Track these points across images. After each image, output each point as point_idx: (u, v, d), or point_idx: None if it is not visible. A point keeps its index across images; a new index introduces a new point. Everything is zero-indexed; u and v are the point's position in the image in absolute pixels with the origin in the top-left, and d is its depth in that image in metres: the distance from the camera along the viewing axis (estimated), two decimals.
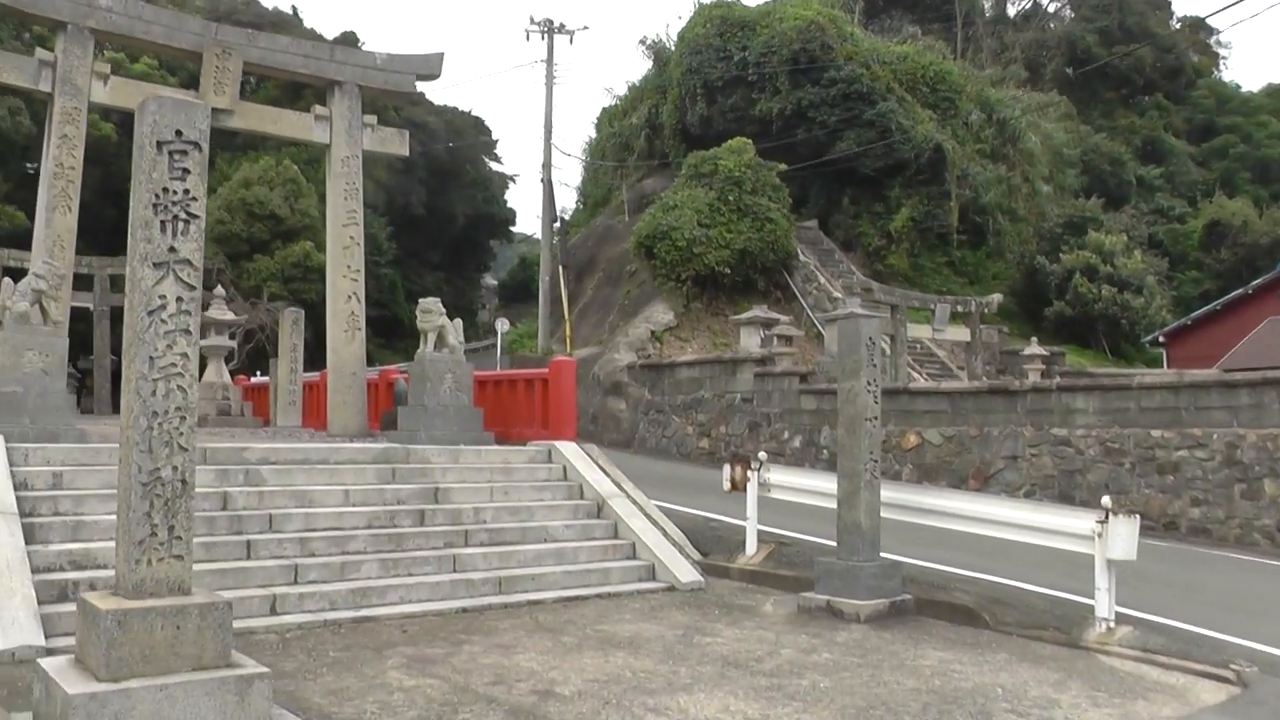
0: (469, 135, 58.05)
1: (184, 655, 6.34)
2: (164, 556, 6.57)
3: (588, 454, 14.09)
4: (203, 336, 22.84)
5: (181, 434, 6.67)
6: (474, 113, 62.18)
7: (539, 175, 36.02)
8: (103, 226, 42.69)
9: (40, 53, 14.19)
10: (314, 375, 20.87)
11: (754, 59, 31.41)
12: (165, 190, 6.71)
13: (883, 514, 10.63)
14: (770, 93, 31.51)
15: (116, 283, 36.07)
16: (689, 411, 23.31)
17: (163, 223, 6.69)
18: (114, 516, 9.76)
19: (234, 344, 22.68)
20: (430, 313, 14.89)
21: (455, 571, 10.81)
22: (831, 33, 30.99)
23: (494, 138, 63.62)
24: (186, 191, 6.75)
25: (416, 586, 10.29)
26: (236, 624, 8.99)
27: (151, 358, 6.62)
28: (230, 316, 22.29)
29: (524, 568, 11.23)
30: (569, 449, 13.83)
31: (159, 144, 6.72)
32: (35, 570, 8.78)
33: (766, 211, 28.00)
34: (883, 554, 10.51)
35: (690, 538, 13.18)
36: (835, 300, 24.83)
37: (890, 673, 7.91)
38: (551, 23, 35.91)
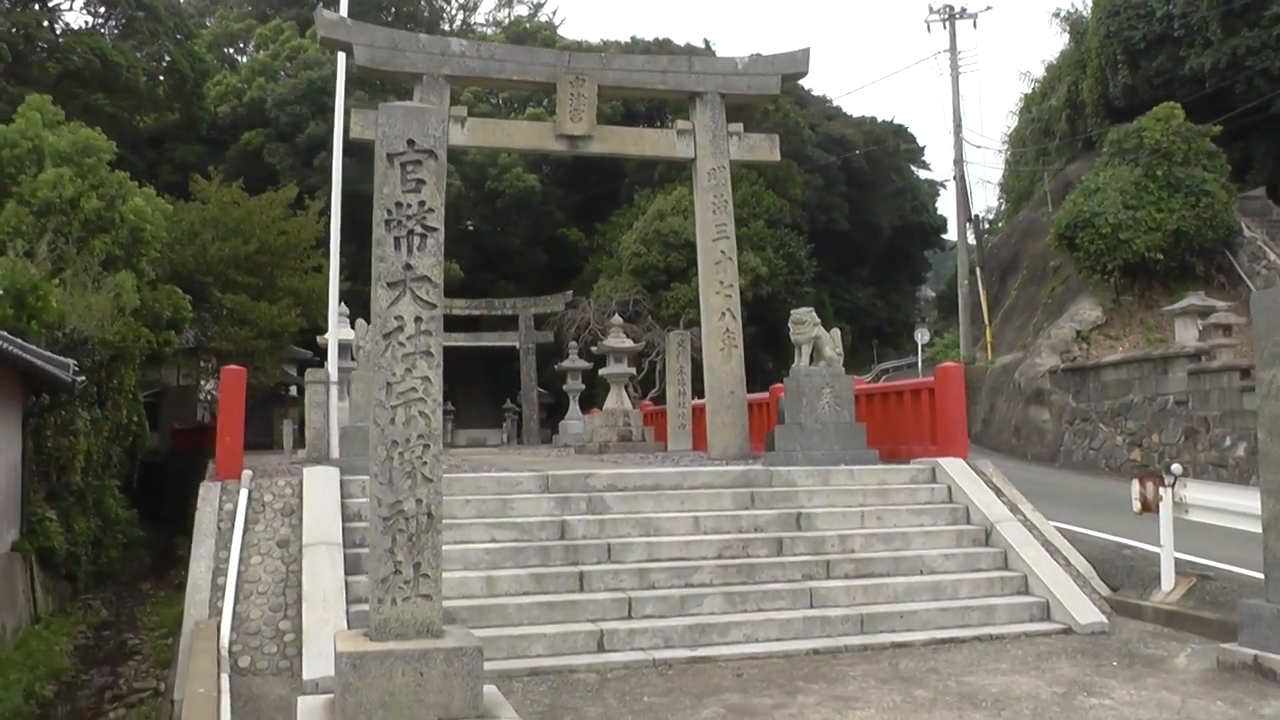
0: (890, 144, 56.38)
1: (428, 704, 5.84)
2: (409, 595, 6.11)
3: (981, 472, 12.48)
4: (602, 364, 23.35)
5: (425, 463, 6.19)
6: (895, 120, 60.40)
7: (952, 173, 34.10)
8: (533, 269, 45.66)
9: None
10: None
11: (1179, 10, 27.38)
12: (398, 204, 6.29)
13: None
14: (1200, 46, 27.33)
15: (539, 321, 38.22)
16: (1117, 419, 20.50)
17: (396, 239, 6.27)
18: (445, 547, 9.66)
19: (632, 370, 22.84)
20: (803, 324, 13.90)
21: (811, 607, 9.73)
22: None
23: (919, 144, 61.44)
24: (422, 204, 6.30)
25: (764, 624, 9.33)
26: (558, 661, 8.53)
27: (389, 383, 6.20)
28: (629, 344, 22.47)
29: (892, 604, 9.94)
30: (955, 466, 12.27)
31: (389, 156, 6.32)
32: (352, 601, 8.75)
33: (1201, 184, 24.15)
34: None
35: (1100, 568, 11.24)
36: None
37: None
38: (952, 8, 33.83)
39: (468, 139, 14.91)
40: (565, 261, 46.44)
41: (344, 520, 9.90)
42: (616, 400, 21.75)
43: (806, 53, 15.94)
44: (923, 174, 62.13)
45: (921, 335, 35.24)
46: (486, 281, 44.31)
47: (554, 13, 60.60)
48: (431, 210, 6.28)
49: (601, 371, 22.67)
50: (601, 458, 17.91)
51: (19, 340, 15.35)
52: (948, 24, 33.98)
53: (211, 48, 51.40)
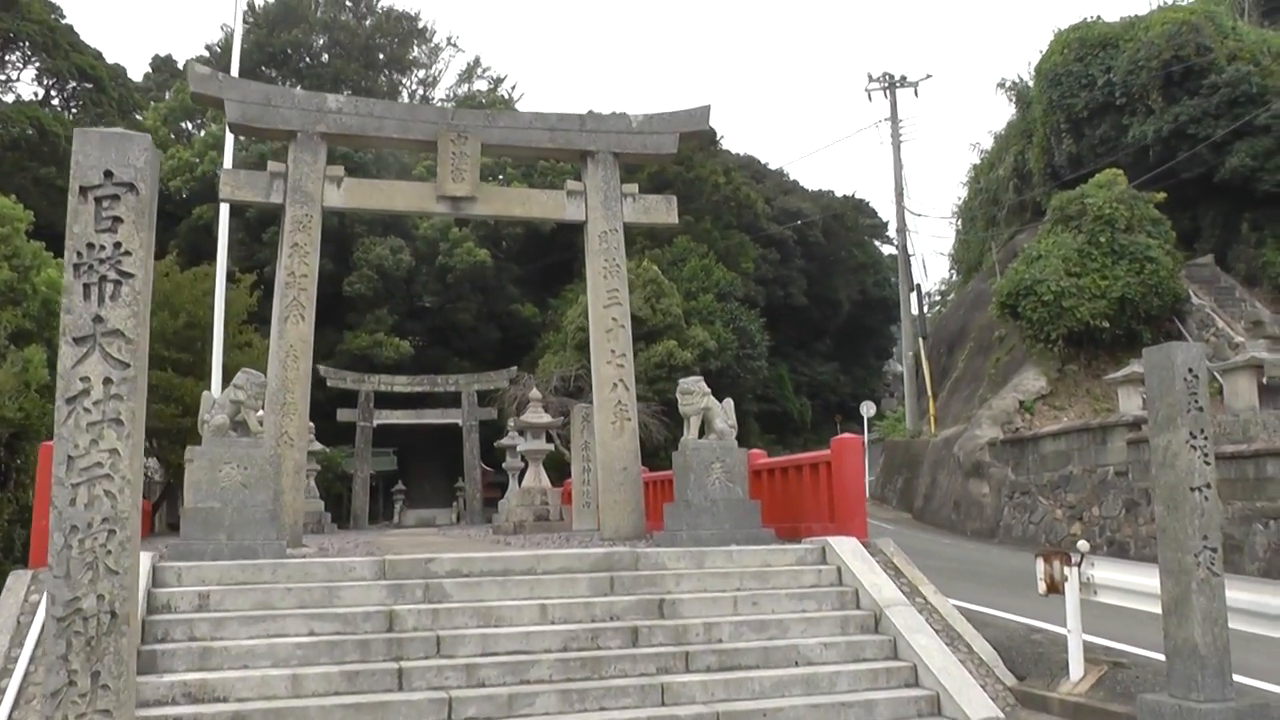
0: (849, 218, 56.15)
1: None
2: (84, 712, 5.11)
3: (880, 551, 11.61)
4: (521, 438, 22.43)
5: (110, 552, 5.22)
6: (855, 194, 60.31)
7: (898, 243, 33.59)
8: (486, 346, 44.81)
9: (271, 165, 14.01)
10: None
11: (1120, 79, 27.08)
12: (90, 246, 5.41)
13: (1239, 625, 7.49)
14: (1142, 114, 27.09)
15: (483, 398, 37.46)
16: (1056, 491, 19.63)
17: (86, 286, 5.38)
18: (254, 641, 8.69)
19: (551, 447, 21.91)
20: (691, 394, 13.09)
21: (662, 705, 8.72)
22: (1208, 31, 26.06)
23: (881, 219, 61.30)
24: (118, 245, 5.42)
25: None
26: None
27: (70, 457, 5.25)
28: (546, 419, 21.56)
29: (757, 700, 8.95)
30: (846, 546, 11.35)
31: (83, 189, 5.45)
32: (142, 704, 7.74)
33: (1145, 250, 23.54)
34: (1243, 680, 7.34)
35: (1006, 655, 10.29)
36: (1237, 345, 20.25)
37: None
38: (892, 77, 33.61)
39: (344, 201, 14.13)
40: (519, 338, 45.73)
41: (150, 611, 8.95)
42: (534, 478, 20.87)
43: (706, 110, 15.28)
44: (886, 249, 61.88)
45: (867, 409, 34.45)
46: (439, 358, 43.48)
47: (513, 88, 60.41)
48: (128, 253, 5.43)
49: (519, 448, 21.76)
50: (507, 539, 16.94)
51: None
52: (888, 92, 33.72)
53: (167, 121, 50.97)
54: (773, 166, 56.32)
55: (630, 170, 40.90)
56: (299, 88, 51.44)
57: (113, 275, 5.39)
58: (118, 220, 5.43)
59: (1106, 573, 9.77)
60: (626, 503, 14.40)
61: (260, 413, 13.53)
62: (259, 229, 42.26)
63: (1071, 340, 23.73)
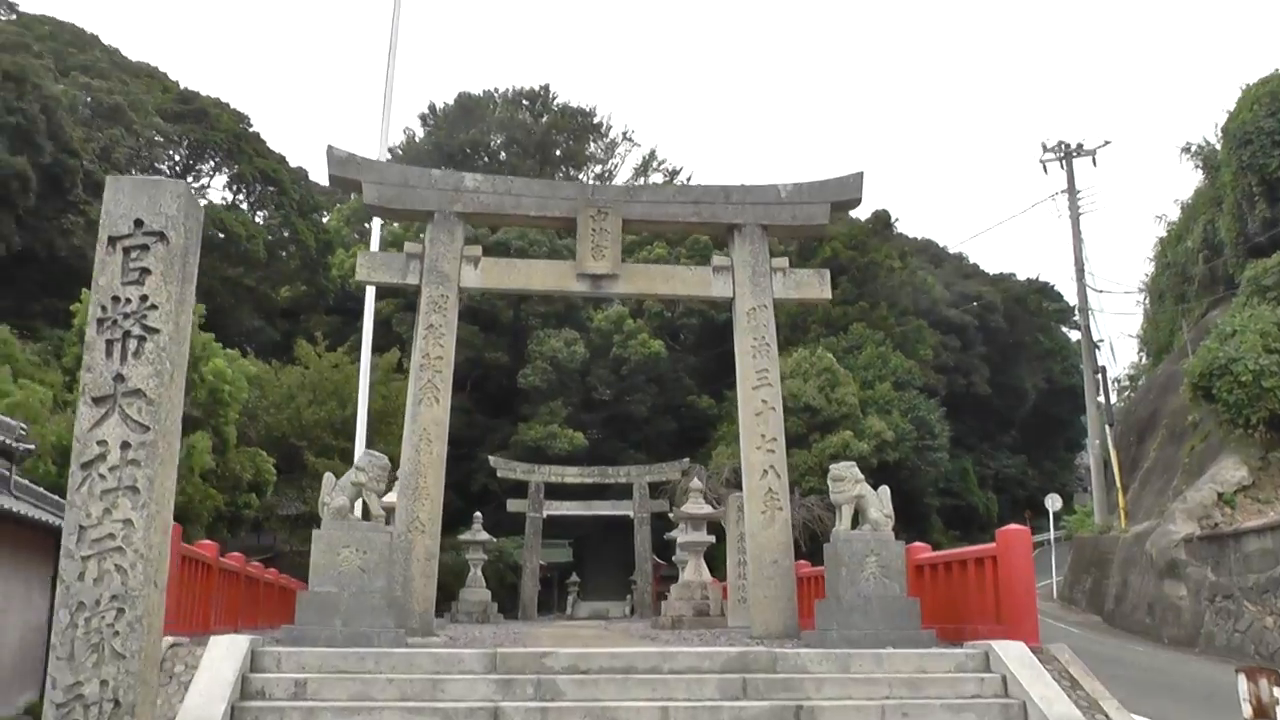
0: (1032, 302, 53.74)
1: None
2: None
3: (1054, 658, 10.26)
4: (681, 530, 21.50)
5: (118, 634, 4.70)
6: (1039, 278, 57.69)
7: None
8: (662, 438, 44.22)
9: (408, 246, 13.88)
10: None
11: None
12: (116, 299, 5.00)
13: None
14: None
15: (656, 490, 36.82)
16: (1264, 596, 17.39)
17: (109, 343, 4.96)
18: None
19: (712, 539, 20.92)
20: (842, 480, 12.06)
21: None
22: None
23: (1068, 303, 58.54)
24: (144, 299, 4.99)
25: None
26: None
27: (81, 527, 4.78)
28: (707, 510, 20.62)
29: None
30: (1013, 651, 10.05)
31: (111, 240, 5.07)
32: None
33: None
34: None
35: None
36: None
37: None
38: (1067, 145, 31.82)
39: (481, 280, 13.82)
40: (694, 429, 45.03)
41: (243, 698, 8.49)
42: (694, 572, 19.97)
43: (859, 177, 14.42)
44: (1072, 334, 58.99)
45: (1053, 502, 32.21)
46: (614, 451, 43.12)
47: (689, 178, 60.50)
48: (154, 307, 4.97)
49: (679, 540, 20.89)
50: (659, 635, 16.09)
51: (54, 497, 14.88)
52: (1064, 163, 32.00)
53: (350, 222, 53.01)
54: (952, 250, 54.77)
55: (804, 257, 40.40)
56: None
57: (137, 330, 4.94)
58: (145, 272, 5.00)
59: None
60: (778, 598, 13.37)
61: (389, 496, 13.20)
62: None
63: (1274, 424, 21.37)
